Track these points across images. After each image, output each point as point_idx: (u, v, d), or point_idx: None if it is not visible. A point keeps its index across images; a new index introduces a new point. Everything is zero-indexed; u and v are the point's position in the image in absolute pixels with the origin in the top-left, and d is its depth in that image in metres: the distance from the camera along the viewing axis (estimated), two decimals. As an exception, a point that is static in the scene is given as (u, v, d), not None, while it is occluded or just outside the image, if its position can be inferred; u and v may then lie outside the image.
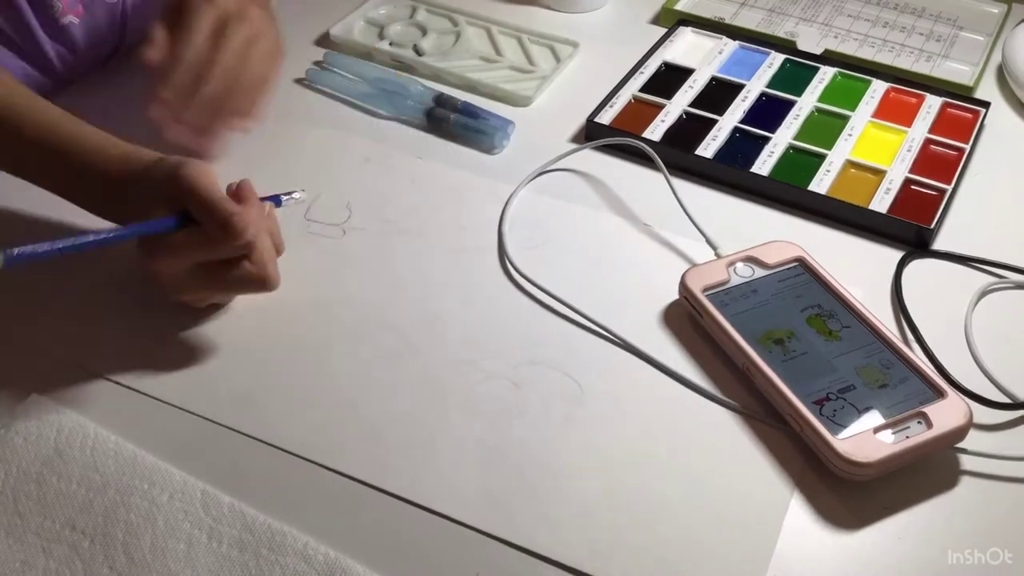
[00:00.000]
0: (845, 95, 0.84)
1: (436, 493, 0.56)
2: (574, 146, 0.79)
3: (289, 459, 0.58)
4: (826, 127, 0.81)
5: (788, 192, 0.75)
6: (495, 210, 0.74)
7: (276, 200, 0.65)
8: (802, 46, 0.89)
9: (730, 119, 0.81)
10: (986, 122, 0.82)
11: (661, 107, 0.82)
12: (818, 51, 0.89)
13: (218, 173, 0.77)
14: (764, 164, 0.77)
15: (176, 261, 0.61)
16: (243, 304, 0.66)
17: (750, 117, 0.81)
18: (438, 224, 0.73)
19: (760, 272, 0.66)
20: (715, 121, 0.81)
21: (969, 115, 0.82)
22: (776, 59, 0.87)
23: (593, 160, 0.78)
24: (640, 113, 0.82)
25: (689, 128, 0.80)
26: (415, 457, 0.58)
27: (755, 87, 0.84)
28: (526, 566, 0.53)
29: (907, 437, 0.56)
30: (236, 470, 0.57)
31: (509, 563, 0.53)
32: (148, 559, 0.53)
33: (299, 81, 0.86)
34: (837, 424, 0.57)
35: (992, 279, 0.69)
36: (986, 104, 0.83)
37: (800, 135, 0.80)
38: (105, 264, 0.69)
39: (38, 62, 0.80)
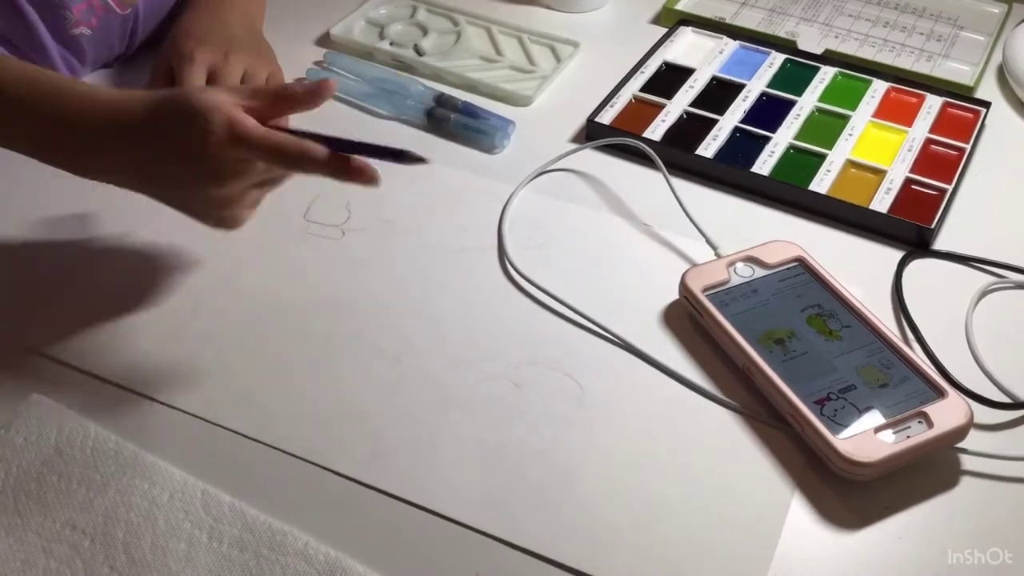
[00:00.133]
0: (846, 95, 0.84)
1: (436, 493, 0.56)
2: (574, 146, 0.79)
3: (289, 459, 0.58)
4: (827, 127, 0.81)
5: (788, 192, 0.75)
6: (495, 210, 0.74)
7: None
8: (803, 46, 0.89)
9: (731, 119, 0.81)
10: (987, 122, 0.82)
11: (662, 107, 0.82)
12: (819, 51, 0.89)
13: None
14: (764, 164, 0.77)
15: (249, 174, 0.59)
16: (243, 304, 0.66)
17: (751, 117, 0.81)
18: (438, 224, 0.73)
19: (760, 272, 0.66)
20: (716, 121, 0.81)
21: (970, 115, 0.82)
22: (777, 59, 0.87)
23: (593, 160, 0.78)
24: (640, 113, 0.82)
25: (690, 128, 0.80)
26: (415, 457, 0.58)
27: (756, 87, 0.84)
28: (526, 566, 0.53)
29: (908, 437, 0.56)
30: (236, 470, 0.57)
31: (509, 563, 0.53)
32: (148, 559, 0.53)
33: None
34: (838, 424, 0.57)
35: (992, 279, 0.69)
36: (987, 104, 0.83)
37: (801, 135, 0.80)
38: (106, 264, 0.69)
39: (38, 64, 0.80)
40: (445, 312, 0.66)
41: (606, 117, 0.81)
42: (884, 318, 0.64)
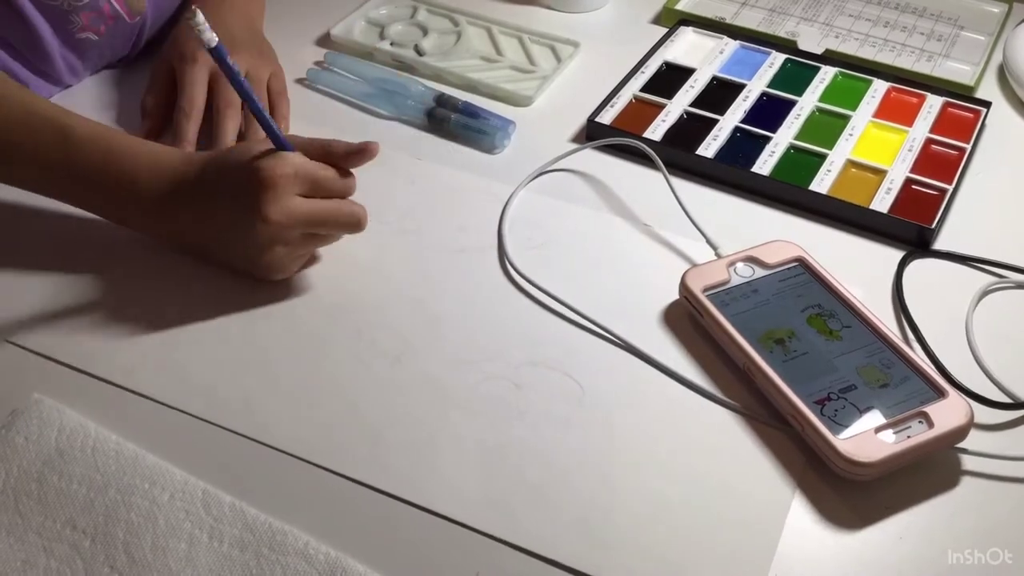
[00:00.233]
0: (846, 95, 0.84)
1: (436, 493, 0.56)
2: (575, 146, 0.79)
3: (290, 459, 0.58)
4: (827, 127, 0.81)
5: (789, 192, 0.75)
6: (495, 210, 0.74)
7: None
8: (803, 46, 0.89)
9: (731, 119, 0.81)
10: (987, 122, 0.82)
11: (662, 107, 0.82)
12: (819, 51, 0.89)
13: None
14: (765, 164, 0.77)
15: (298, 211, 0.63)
16: (243, 305, 0.66)
17: (751, 117, 0.81)
18: (438, 224, 0.73)
19: (760, 272, 0.66)
20: (716, 121, 0.81)
21: (970, 115, 0.82)
22: (777, 59, 0.87)
23: (594, 160, 0.78)
24: (641, 113, 0.82)
25: (690, 128, 0.80)
26: (415, 457, 0.58)
27: (756, 87, 0.84)
28: (526, 566, 0.53)
29: (908, 437, 0.56)
30: (237, 470, 0.57)
31: (509, 563, 0.53)
32: (149, 558, 0.53)
33: (300, 81, 0.86)
34: (838, 424, 0.57)
35: (993, 279, 0.69)
36: (987, 104, 0.83)
37: (801, 135, 0.80)
38: (107, 265, 0.69)
39: (44, 70, 0.80)
40: (445, 312, 0.66)
41: (606, 117, 0.81)
42: (884, 318, 0.64)
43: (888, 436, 0.56)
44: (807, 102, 0.83)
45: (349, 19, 0.92)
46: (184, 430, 0.59)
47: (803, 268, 0.67)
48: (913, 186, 0.75)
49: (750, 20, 0.94)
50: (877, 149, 0.79)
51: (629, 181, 0.77)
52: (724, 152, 0.78)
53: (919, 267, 0.70)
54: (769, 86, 0.84)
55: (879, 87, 0.84)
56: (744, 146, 0.79)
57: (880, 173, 0.76)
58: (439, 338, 0.65)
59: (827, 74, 0.86)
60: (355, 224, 0.65)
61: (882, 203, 0.73)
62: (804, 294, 0.65)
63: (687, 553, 0.54)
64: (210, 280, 0.68)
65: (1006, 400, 0.60)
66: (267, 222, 0.61)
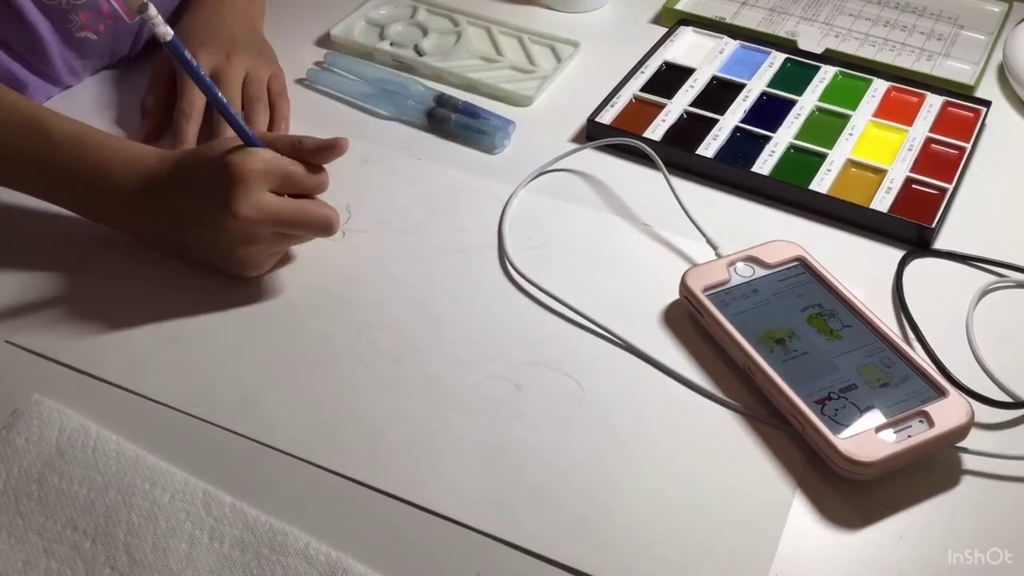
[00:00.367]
0: (846, 94, 0.84)
1: (437, 493, 0.56)
2: (575, 146, 0.79)
3: (290, 460, 0.58)
4: (827, 126, 0.81)
5: (789, 191, 0.75)
6: (495, 210, 0.74)
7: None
8: (803, 45, 0.89)
9: (731, 119, 0.81)
10: (987, 121, 0.82)
11: (662, 107, 0.82)
12: (819, 50, 0.89)
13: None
14: (765, 164, 0.77)
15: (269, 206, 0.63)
16: (243, 305, 0.66)
17: (751, 116, 0.81)
18: (438, 225, 0.73)
19: (761, 272, 0.66)
20: (716, 121, 0.81)
21: (970, 114, 0.82)
22: (777, 58, 0.87)
23: (594, 160, 0.78)
24: (641, 113, 0.82)
25: (690, 128, 0.80)
26: (415, 457, 0.58)
27: (756, 86, 0.84)
28: (527, 566, 0.53)
29: (909, 436, 0.56)
30: (237, 471, 0.57)
31: (510, 563, 0.53)
32: (150, 559, 0.53)
33: (300, 81, 0.86)
34: (839, 423, 0.57)
35: (993, 278, 0.69)
36: (987, 103, 0.83)
37: (801, 134, 0.80)
38: (108, 266, 0.69)
39: (42, 70, 0.80)
40: (445, 312, 0.66)
41: (606, 117, 0.81)
42: (885, 317, 0.64)
43: (888, 435, 0.56)
44: (807, 102, 0.83)
45: (349, 19, 0.92)
46: (184, 431, 0.59)
47: (803, 268, 0.67)
48: (913, 185, 0.75)
49: (750, 20, 0.94)
50: (877, 148, 0.79)
51: (629, 181, 0.77)
52: (724, 152, 0.78)
53: (919, 266, 0.70)
54: (769, 86, 0.84)
55: (879, 86, 0.84)
56: (744, 146, 0.79)
57: (880, 172, 0.76)
58: (439, 338, 0.65)
59: (827, 74, 0.86)
60: (325, 227, 0.65)
61: (882, 203, 0.73)
62: (804, 294, 0.65)
63: (688, 553, 0.54)
64: (211, 280, 0.68)
65: (1006, 399, 0.60)
66: (237, 217, 0.61)
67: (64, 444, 0.57)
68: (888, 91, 0.84)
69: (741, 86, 0.84)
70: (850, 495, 0.56)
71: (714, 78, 0.86)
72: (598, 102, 0.82)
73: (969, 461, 0.58)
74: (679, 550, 0.54)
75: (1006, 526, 0.55)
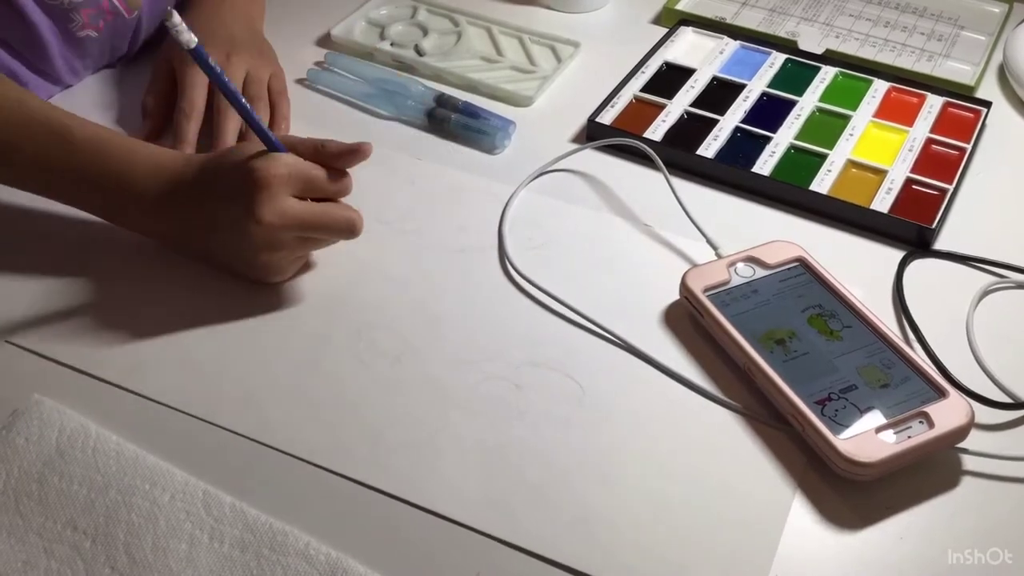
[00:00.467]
0: (846, 95, 0.84)
1: (437, 494, 0.56)
2: (575, 146, 0.79)
3: (290, 459, 0.58)
4: (827, 127, 0.81)
5: (789, 192, 0.75)
6: (495, 210, 0.74)
7: None
8: (803, 46, 0.89)
9: (731, 119, 0.81)
10: (987, 122, 0.82)
11: (662, 107, 0.82)
12: (819, 51, 0.89)
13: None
14: (765, 164, 0.77)
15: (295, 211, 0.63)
16: (243, 305, 0.66)
17: (751, 117, 0.81)
18: (438, 225, 0.73)
19: (761, 272, 0.66)
20: (716, 121, 0.81)
21: (970, 115, 0.82)
22: (777, 59, 0.87)
23: (594, 160, 0.78)
24: (641, 113, 0.82)
25: (690, 128, 0.80)
26: (415, 458, 0.58)
27: (756, 87, 0.84)
28: (527, 566, 0.53)
29: (909, 437, 0.56)
30: (237, 471, 0.57)
31: (510, 563, 0.53)
32: (150, 559, 0.53)
33: (300, 81, 0.86)
34: (839, 424, 0.57)
35: (994, 279, 0.69)
36: (987, 104, 0.83)
37: (801, 135, 0.80)
38: (108, 266, 0.69)
39: (43, 69, 0.80)
40: (445, 312, 0.66)
41: (607, 117, 0.81)
42: (885, 318, 0.64)
43: (889, 436, 0.56)
44: (807, 102, 0.83)
45: (349, 19, 0.92)
46: (185, 431, 0.59)
47: (803, 268, 0.67)
48: (913, 186, 0.75)
49: (750, 20, 0.94)
50: (877, 149, 0.79)
51: (629, 181, 0.77)
52: (724, 152, 0.78)
53: (919, 267, 0.70)
54: (769, 86, 0.84)
55: (879, 87, 0.84)
56: (744, 146, 0.79)
57: (880, 173, 0.76)
58: (439, 338, 0.65)
59: (827, 74, 0.86)
60: (349, 229, 0.65)
61: (882, 203, 0.73)
62: (804, 294, 0.65)
63: (688, 553, 0.54)
64: (211, 281, 0.68)
65: (1007, 400, 0.60)
66: (260, 223, 0.61)
67: (64, 444, 0.57)
68: (888, 92, 0.84)
69: (741, 86, 0.84)
70: (850, 496, 0.56)
71: (714, 78, 0.86)
72: (598, 102, 0.82)
73: (969, 462, 0.58)
74: (679, 550, 0.54)
75: (1006, 526, 0.55)
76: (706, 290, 0.65)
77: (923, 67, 0.88)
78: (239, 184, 0.62)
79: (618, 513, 0.55)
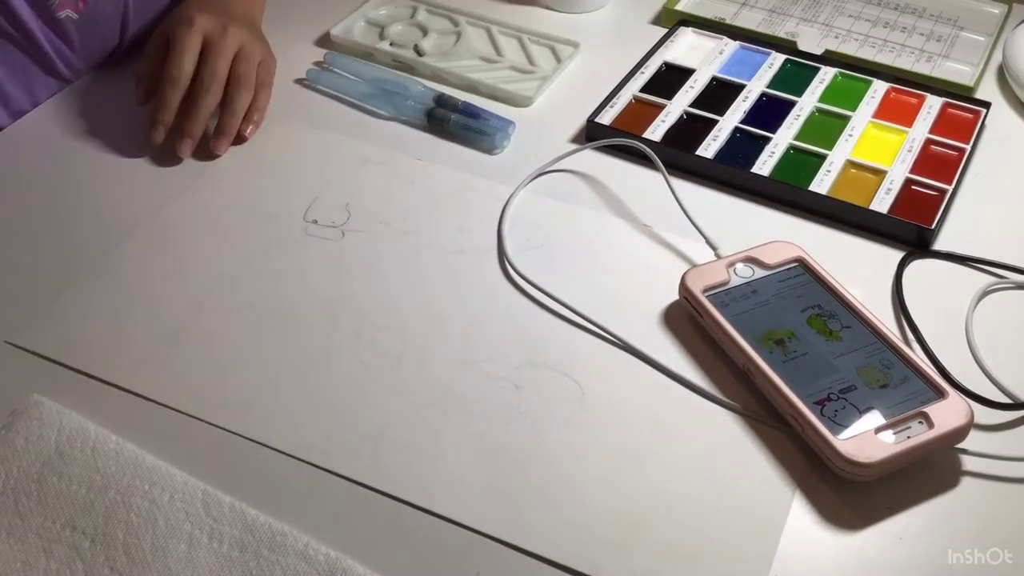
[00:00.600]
0: (846, 95, 0.84)
1: (437, 494, 0.56)
2: (574, 146, 0.79)
3: (289, 460, 0.58)
4: (827, 127, 0.81)
5: (789, 192, 0.75)
6: (495, 211, 0.74)
7: None
8: (803, 46, 0.89)
9: (731, 119, 0.81)
10: (987, 122, 0.82)
11: (662, 107, 0.82)
12: (819, 51, 0.89)
13: (219, 174, 0.78)
14: (765, 164, 0.77)
15: None
16: (243, 305, 0.66)
17: (751, 117, 0.81)
18: (437, 225, 0.73)
19: (760, 272, 0.66)
20: (716, 121, 0.81)
21: (970, 115, 0.82)
22: (777, 59, 0.87)
23: (594, 160, 0.78)
24: (641, 113, 0.82)
25: (690, 128, 0.80)
26: (415, 458, 0.58)
27: (756, 87, 0.84)
28: (527, 567, 0.53)
29: (908, 437, 0.56)
30: (237, 471, 0.57)
31: (510, 564, 0.53)
32: (149, 559, 0.53)
33: (299, 81, 0.86)
34: (838, 424, 0.57)
35: (993, 279, 0.69)
36: (987, 104, 0.83)
37: (801, 135, 0.80)
38: (108, 267, 0.69)
39: (36, 56, 0.79)
40: (445, 313, 0.66)
41: (606, 118, 0.81)
42: (884, 318, 0.64)
43: (888, 436, 0.56)
44: (807, 103, 0.83)
45: (349, 19, 0.92)
46: (184, 431, 0.59)
47: (803, 268, 0.67)
48: (913, 186, 0.75)
49: (750, 21, 0.94)
50: (877, 149, 0.79)
51: (629, 182, 0.77)
52: (724, 153, 0.78)
53: (919, 267, 0.70)
54: (769, 87, 0.84)
55: (879, 87, 0.84)
56: (744, 146, 0.79)
57: (880, 173, 0.76)
58: (439, 339, 0.65)
59: (827, 75, 0.86)
60: None
61: (882, 203, 0.73)
62: (804, 294, 0.65)
63: (688, 554, 0.54)
64: (211, 282, 0.68)
65: (1006, 400, 0.60)
66: None
67: (63, 444, 0.57)
68: (888, 92, 0.84)
69: (741, 87, 0.84)
70: (850, 496, 0.56)
71: (714, 79, 0.86)
72: (598, 103, 0.82)
73: (968, 462, 0.58)
74: (679, 551, 0.54)
75: (1006, 526, 0.55)
76: (705, 290, 0.65)
77: (922, 68, 0.88)
78: None
79: (618, 513, 0.55)
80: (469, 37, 0.91)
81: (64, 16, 0.78)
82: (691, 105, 0.82)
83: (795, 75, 0.86)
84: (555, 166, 0.78)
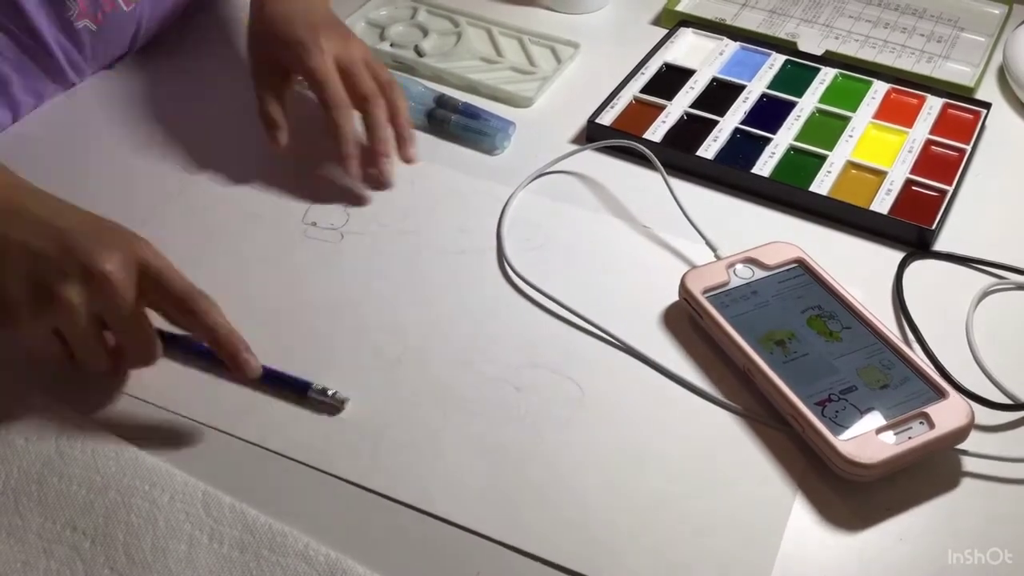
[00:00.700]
0: (846, 96, 0.84)
1: (436, 495, 0.56)
2: (575, 147, 0.79)
3: (289, 461, 0.58)
4: (827, 128, 0.81)
5: (789, 193, 0.75)
6: (495, 212, 0.74)
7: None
8: (803, 47, 0.89)
9: (731, 120, 0.81)
10: (987, 123, 0.82)
11: (662, 108, 0.82)
12: (819, 52, 0.89)
13: (220, 179, 0.77)
14: (765, 165, 0.77)
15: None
16: (243, 308, 0.66)
17: (751, 118, 0.81)
18: (437, 226, 0.73)
19: (760, 273, 0.66)
20: (716, 122, 0.81)
21: (970, 116, 0.82)
22: (777, 60, 0.87)
23: (594, 161, 0.78)
24: (641, 114, 0.82)
25: (690, 129, 0.80)
26: (415, 459, 0.58)
27: (756, 88, 0.84)
28: (527, 568, 0.53)
29: (909, 438, 0.56)
30: (237, 472, 0.57)
31: (510, 565, 0.53)
32: (149, 560, 0.53)
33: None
34: (839, 425, 0.57)
35: (993, 280, 0.69)
36: (987, 105, 0.83)
37: (801, 136, 0.80)
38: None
39: (46, 63, 0.79)
40: (444, 314, 0.66)
41: (606, 118, 0.81)
42: (885, 319, 0.64)
43: (889, 437, 0.56)
44: (807, 103, 0.83)
45: (349, 20, 0.92)
46: (184, 431, 0.59)
47: (803, 269, 0.67)
48: (913, 187, 0.75)
49: (750, 21, 0.94)
50: (877, 150, 0.79)
51: (629, 182, 0.77)
52: (724, 153, 0.78)
53: (919, 268, 0.70)
54: (769, 87, 0.84)
55: (879, 88, 0.84)
56: (744, 147, 0.79)
57: (880, 174, 0.76)
58: (439, 340, 0.65)
59: (827, 75, 0.86)
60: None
61: (882, 204, 0.73)
62: (804, 295, 0.65)
63: (689, 555, 0.54)
64: (210, 283, 0.68)
65: (1006, 401, 0.60)
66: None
67: (63, 444, 0.57)
68: (888, 93, 0.84)
69: (741, 88, 0.84)
70: (850, 497, 0.56)
71: (714, 79, 0.86)
72: (598, 103, 0.82)
73: (969, 463, 0.58)
74: (680, 553, 0.54)
75: (1006, 527, 0.55)
76: (705, 291, 0.65)
77: (923, 68, 0.88)
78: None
79: (618, 515, 0.55)
80: (469, 38, 0.91)
81: (82, 26, 0.78)
82: (691, 106, 0.82)
83: (795, 76, 0.86)
84: (555, 167, 0.78)
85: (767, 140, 0.79)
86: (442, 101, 0.82)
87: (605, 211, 0.74)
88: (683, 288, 0.66)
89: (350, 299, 0.67)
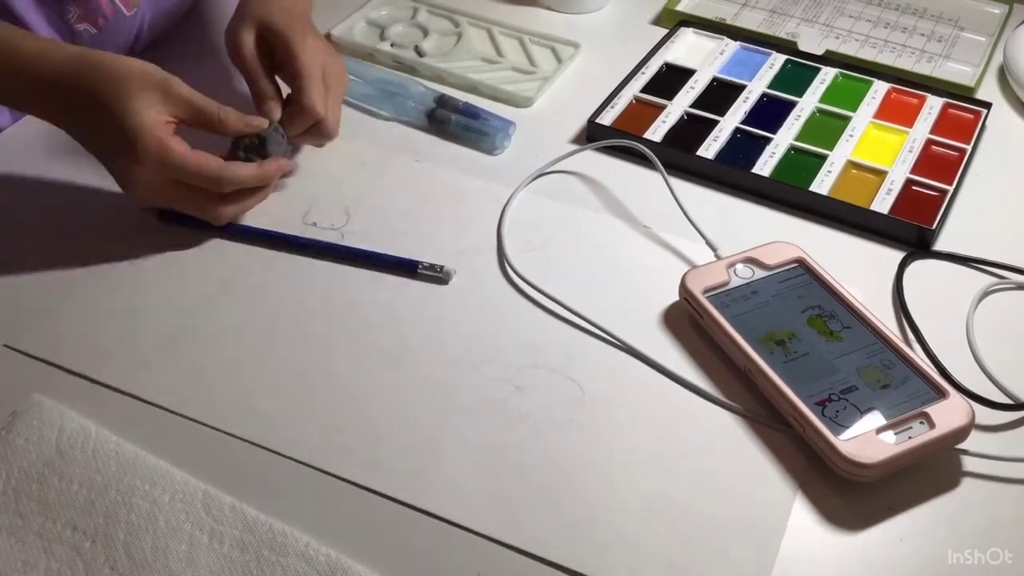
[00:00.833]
0: (846, 96, 0.84)
1: (437, 496, 0.56)
2: (575, 147, 0.79)
3: (290, 461, 0.58)
4: (827, 128, 0.81)
5: (789, 193, 0.75)
6: (495, 212, 0.74)
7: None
8: (803, 47, 0.89)
9: (731, 120, 0.81)
10: (987, 123, 0.82)
11: (662, 108, 0.82)
12: (819, 52, 0.89)
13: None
14: (765, 165, 0.77)
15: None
16: (243, 307, 0.66)
17: (751, 118, 0.81)
18: (437, 226, 0.73)
19: (760, 273, 0.66)
20: (716, 122, 0.81)
21: (970, 116, 0.82)
22: (777, 60, 0.87)
23: (594, 161, 0.78)
24: (641, 114, 0.82)
25: (690, 129, 0.80)
26: (416, 460, 0.58)
27: (756, 88, 0.84)
28: (528, 568, 0.53)
29: (909, 438, 0.56)
30: (237, 471, 0.57)
31: (511, 565, 0.53)
32: (149, 560, 0.53)
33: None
34: (839, 425, 0.57)
35: (993, 280, 0.69)
36: (987, 105, 0.83)
37: (801, 136, 0.80)
38: (108, 268, 0.69)
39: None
40: (445, 314, 0.66)
41: (607, 118, 0.81)
42: (885, 319, 0.64)
43: (889, 437, 0.56)
44: (807, 103, 0.83)
45: (349, 20, 0.92)
46: (184, 431, 0.59)
47: (803, 269, 0.67)
48: (913, 187, 0.75)
49: (750, 21, 0.94)
50: (877, 150, 0.79)
51: (629, 182, 0.77)
52: (724, 153, 0.78)
53: (919, 268, 0.70)
54: (769, 87, 0.84)
55: (879, 88, 0.84)
56: (744, 147, 0.79)
57: (880, 174, 0.76)
58: (439, 340, 0.65)
59: (827, 75, 0.86)
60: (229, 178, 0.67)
61: (882, 204, 0.73)
62: (804, 295, 0.65)
63: (690, 555, 0.54)
64: (210, 283, 0.68)
65: (1007, 401, 0.60)
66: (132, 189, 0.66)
67: (64, 444, 0.57)
68: (888, 92, 0.84)
69: (741, 87, 0.84)
70: (851, 497, 0.56)
71: (714, 79, 0.86)
72: (598, 103, 0.82)
73: (969, 463, 0.58)
74: (681, 552, 0.54)
75: (1006, 527, 0.55)
76: (706, 291, 0.65)
77: (923, 68, 0.88)
78: (119, 148, 0.64)
79: (619, 515, 0.55)
80: (470, 38, 0.91)
81: (82, 29, 0.78)
82: (692, 106, 0.82)
83: (796, 75, 0.86)
84: (555, 167, 0.78)
85: (767, 140, 0.79)
86: (442, 101, 0.82)
87: (605, 211, 0.74)
88: (683, 288, 0.66)
89: (350, 299, 0.67)
